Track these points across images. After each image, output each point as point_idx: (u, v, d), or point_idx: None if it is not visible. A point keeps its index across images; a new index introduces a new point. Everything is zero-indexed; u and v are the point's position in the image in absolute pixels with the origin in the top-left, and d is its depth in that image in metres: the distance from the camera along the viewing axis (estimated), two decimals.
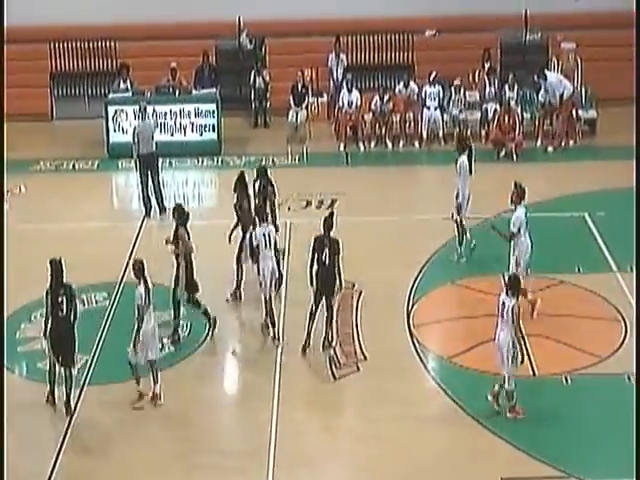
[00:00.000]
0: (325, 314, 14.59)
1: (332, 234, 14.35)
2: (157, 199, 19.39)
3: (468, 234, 17.05)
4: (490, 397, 13.12)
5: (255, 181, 16.37)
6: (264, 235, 14.82)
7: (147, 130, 19.51)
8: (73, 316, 13.30)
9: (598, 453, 12.52)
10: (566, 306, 15.36)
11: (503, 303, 12.84)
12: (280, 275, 15.43)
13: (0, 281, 14.76)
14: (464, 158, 16.91)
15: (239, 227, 15.86)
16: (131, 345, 13.29)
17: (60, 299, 13.17)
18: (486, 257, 17.20)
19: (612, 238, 17.58)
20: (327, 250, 14.26)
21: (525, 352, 13.00)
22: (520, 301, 12.88)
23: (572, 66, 23.87)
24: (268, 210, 15.65)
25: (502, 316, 12.85)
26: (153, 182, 19.39)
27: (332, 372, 14.18)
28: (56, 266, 13.25)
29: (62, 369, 13.35)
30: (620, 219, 18.23)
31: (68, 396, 13.35)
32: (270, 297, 14.98)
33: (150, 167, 19.38)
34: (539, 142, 22.34)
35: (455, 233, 17.15)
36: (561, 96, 22.07)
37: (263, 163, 16.64)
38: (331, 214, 14.62)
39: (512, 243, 15.08)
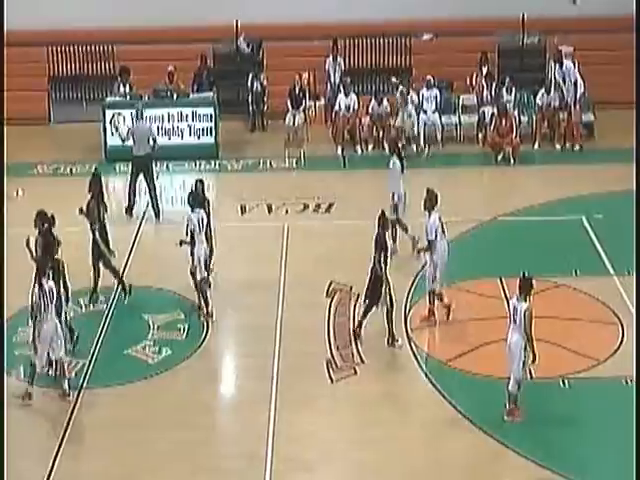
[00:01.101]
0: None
1: (386, 233, 14.57)
2: (152, 204, 19.42)
3: (411, 233, 17.05)
4: (507, 418, 13.09)
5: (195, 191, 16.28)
6: (198, 220, 15.22)
7: (142, 131, 19.56)
8: (64, 289, 13.73)
9: (596, 456, 12.52)
10: (563, 309, 15.37)
11: (515, 307, 12.81)
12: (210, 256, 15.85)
13: (0, 282, 14.82)
14: (395, 159, 17.09)
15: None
16: (30, 344, 13.42)
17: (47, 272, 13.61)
18: (484, 260, 17.25)
19: (609, 241, 17.59)
20: (374, 248, 14.43)
21: (536, 354, 12.92)
22: (531, 304, 12.78)
23: None
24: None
25: (514, 320, 12.82)
26: (148, 186, 19.45)
27: (329, 375, 14.18)
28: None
29: None
30: (618, 222, 18.26)
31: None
32: (202, 279, 15.33)
33: (143, 169, 19.45)
34: (536, 145, 22.39)
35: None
36: (575, 83, 22.20)
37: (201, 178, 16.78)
38: (382, 213, 14.72)
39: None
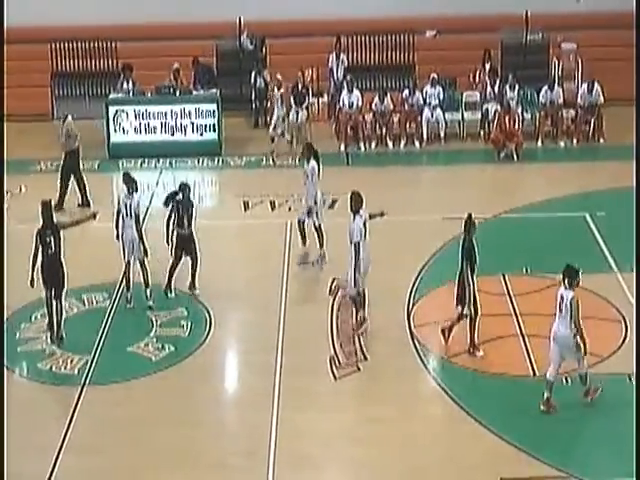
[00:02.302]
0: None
1: (472, 237, 14.17)
2: (84, 193, 19.61)
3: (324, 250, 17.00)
4: (543, 407, 13.11)
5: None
6: (125, 205, 15.57)
7: (72, 127, 19.76)
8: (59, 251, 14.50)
9: (599, 453, 12.51)
10: None
11: (562, 296, 12.92)
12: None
13: (0, 281, 14.84)
14: (314, 163, 16.93)
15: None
16: None
17: (48, 239, 14.39)
18: (488, 257, 17.17)
19: (612, 238, 17.58)
20: (460, 252, 14.23)
21: (587, 344, 13.04)
22: (577, 294, 12.92)
23: (572, 66, 23.91)
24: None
25: (560, 310, 12.93)
26: (79, 177, 19.64)
27: (332, 372, 14.18)
28: (46, 208, 14.47)
29: (54, 302, 14.64)
30: (621, 219, 18.24)
31: (59, 324, 14.72)
32: (129, 262, 15.69)
33: (76, 164, 19.65)
34: (540, 142, 22.36)
35: (299, 237, 17.18)
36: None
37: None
38: (469, 216, 14.38)
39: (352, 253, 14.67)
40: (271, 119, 22.67)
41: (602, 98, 22.30)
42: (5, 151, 20.57)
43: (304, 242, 17.27)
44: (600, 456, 12.45)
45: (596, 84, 22.36)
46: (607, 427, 12.93)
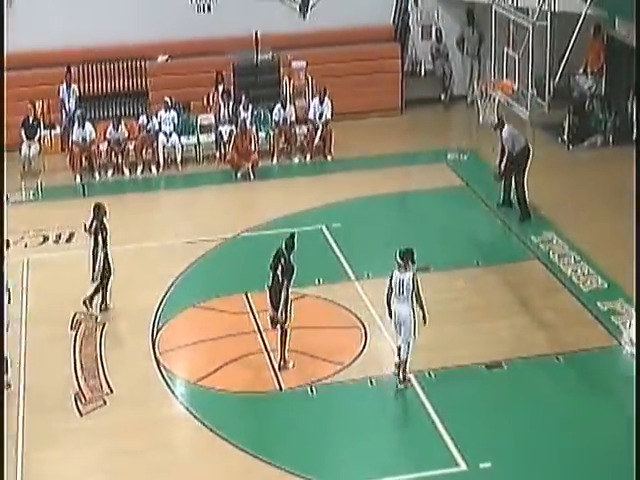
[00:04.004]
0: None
1: (291, 256, 14.31)
2: None
3: None
4: (400, 385, 13.83)
5: None
6: None
7: None
8: None
9: (352, 461, 12.76)
10: (307, 319, 15.52)
11: (400, 280, 13.49)
12: None
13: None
14: None
15: None
16: None
17: None
18: (229, 277, 17.34)
19: (348, 248, 18.02)
20: (280, 269, 14.24)
21: (427, 315, 13.64)
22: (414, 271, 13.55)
23: (303, 84, 24.47)
24: None
25: (401, 292, 13.49)
26: None
27: (78, 408, 13.88)
28: None
29: None
30: (355, 229, 18.81)
31: None
32: None
33: None
34: (275, 159, 22.70)
35: None
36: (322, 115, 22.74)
37: None
38: (292, 235, 14.51)
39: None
40: None
41: (330, 113, 22.86)
42: None
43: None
44: (354, 464, 12.71)
45: (327, 99, 22.92)
46: (354, 431, 13.28)
